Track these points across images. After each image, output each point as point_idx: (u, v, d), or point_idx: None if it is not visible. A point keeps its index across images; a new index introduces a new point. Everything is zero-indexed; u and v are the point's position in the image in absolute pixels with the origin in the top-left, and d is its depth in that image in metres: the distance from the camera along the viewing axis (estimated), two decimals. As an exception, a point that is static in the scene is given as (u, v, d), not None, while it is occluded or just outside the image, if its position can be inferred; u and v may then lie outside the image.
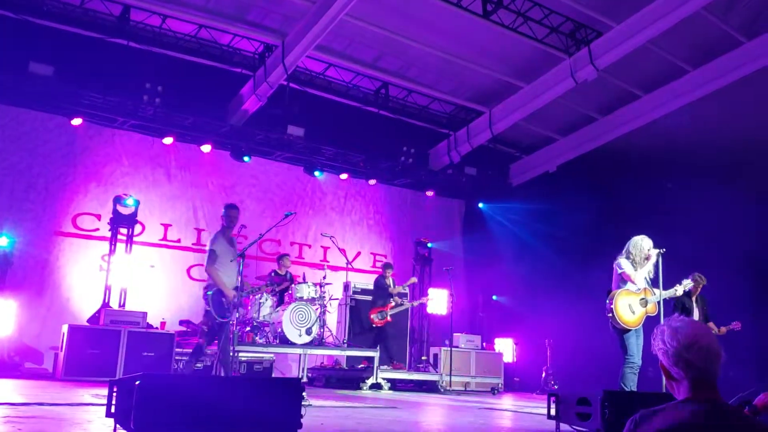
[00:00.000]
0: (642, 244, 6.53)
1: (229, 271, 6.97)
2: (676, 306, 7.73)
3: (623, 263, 6.50)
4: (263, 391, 3.71)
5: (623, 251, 6.56)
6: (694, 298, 8.13)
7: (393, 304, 10.75)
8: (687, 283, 6.80)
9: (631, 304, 6.40)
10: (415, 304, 11.46)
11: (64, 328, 8.35)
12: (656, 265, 6.51)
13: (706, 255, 8.59)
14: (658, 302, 6.44)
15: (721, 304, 7.91)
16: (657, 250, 6.51)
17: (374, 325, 10.64)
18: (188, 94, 10.65)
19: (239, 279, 6.87)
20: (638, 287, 6.46)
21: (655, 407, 1.98)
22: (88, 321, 9.16)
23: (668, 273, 6.60)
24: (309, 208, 12.73)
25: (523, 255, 12.80)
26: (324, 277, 9.81)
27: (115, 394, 3.38)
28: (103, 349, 8.23)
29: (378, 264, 12.77)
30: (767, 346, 8.87)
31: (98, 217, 10.64)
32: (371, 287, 10.89)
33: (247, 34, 10.54)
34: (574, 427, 4.42)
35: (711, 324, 7.80)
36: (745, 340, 7.73)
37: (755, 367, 8.64)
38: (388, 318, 10.67)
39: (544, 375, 11.66)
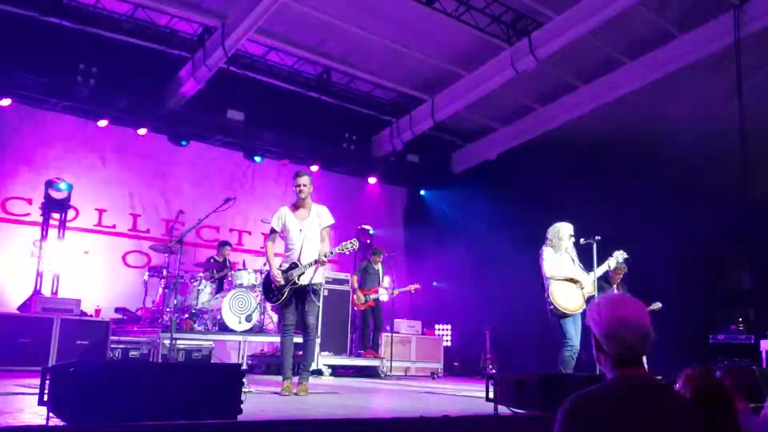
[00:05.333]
0: (560, 228, 6.69)
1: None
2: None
3: (545, 251, 6.67)
4: (202, 377, 3.64)
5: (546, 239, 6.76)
6: (615, 285, 8.40)
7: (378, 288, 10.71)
8: (618, 254, 6.92)
9: (567, 289, 6.58)
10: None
11: (-7, 317, 8.04)
12: (591, 252, 6.70)
13: (638, 244, 8.85)
14: (594, 282, 6.66)
15: (646, 290, 8.17)
16: (574, 238, 6.73)
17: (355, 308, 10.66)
18: (124, 76, 10.35)
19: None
20: (564, 274, 6.63)
21: (584, 391, 2.00)
22: (18, 309, 8.85)
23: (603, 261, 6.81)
24: (249, 194, 12.55)
25: (464, 242, 12.95)
26: (264, 264, 9.69)
27: (48, 382, 3.28)
28: (35, 337, 7.92)
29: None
30: (685, 329, 9.21)
31: (29, 201, 10.28)
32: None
33: (186, 15, 10.27)
34: (512, 409, 4.51)
35: None
36: (665, 321, 8.06)
37: (674, 348, 8.99)
38: (371, 302, 10.67)
39: (482, 359, 11.86)
